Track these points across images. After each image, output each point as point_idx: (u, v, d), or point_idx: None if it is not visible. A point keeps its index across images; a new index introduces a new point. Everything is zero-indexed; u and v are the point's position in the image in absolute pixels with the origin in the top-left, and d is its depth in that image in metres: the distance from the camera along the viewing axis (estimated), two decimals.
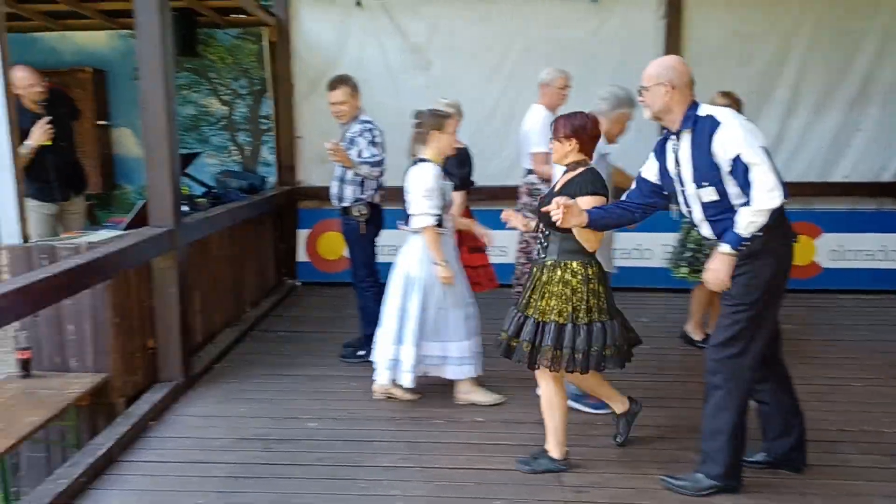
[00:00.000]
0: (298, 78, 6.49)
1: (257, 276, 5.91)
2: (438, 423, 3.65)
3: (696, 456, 3.01)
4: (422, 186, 3.63)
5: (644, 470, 3.14)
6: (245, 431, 3.56)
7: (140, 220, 4.24)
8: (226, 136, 6.74)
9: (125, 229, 4.29)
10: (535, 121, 4.50)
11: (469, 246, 4.33)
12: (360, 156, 4.26)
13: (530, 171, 4.53)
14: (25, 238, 3.67)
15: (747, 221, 2.67)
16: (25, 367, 3.71)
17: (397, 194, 3.91)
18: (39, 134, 4.63)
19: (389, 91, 6.16)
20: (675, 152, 2.85)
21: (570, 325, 2.93)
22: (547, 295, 2.99)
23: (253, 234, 5.85)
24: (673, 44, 6.03)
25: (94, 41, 6.55)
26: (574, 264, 2.97)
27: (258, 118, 6.70)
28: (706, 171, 2.73)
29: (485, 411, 3.76)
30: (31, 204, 4.69)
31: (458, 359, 3.77)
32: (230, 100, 6.70)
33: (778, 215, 2.70)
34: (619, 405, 3.35)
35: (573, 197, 2.88)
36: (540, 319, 2.99)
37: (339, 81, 4.39)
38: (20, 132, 4.42)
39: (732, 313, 2.83)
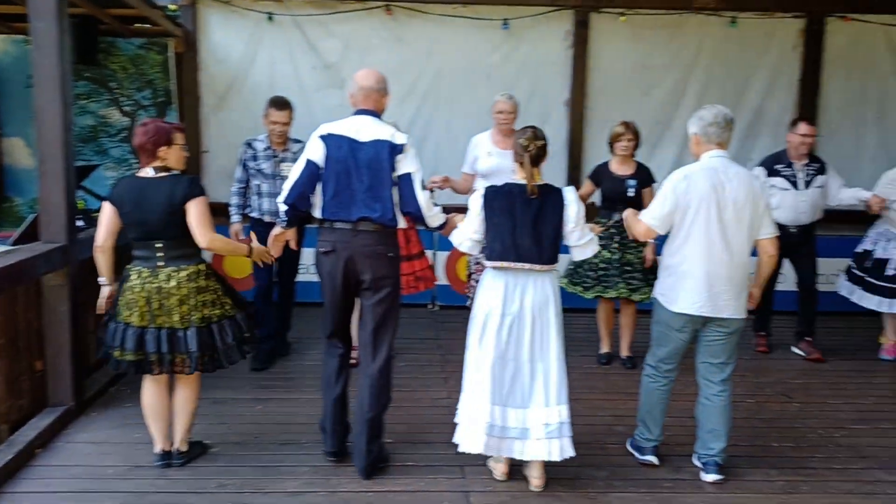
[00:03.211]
0: (206, 91, 6.33)
1: None
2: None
3: None
4: None
5: None
6: (141, 458, 3.39)
7: (30, 235, 4.04)
8: (126, 147, 6.47)
9: (13, 244, 4.08)
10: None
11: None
12: None
13: None
14: None
15: None
16: None
17: None
18: None
19: (302, 109, 5.99)
20: None
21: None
22: None
23: None
24: (579, 73, 6.22)
25: None
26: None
27: None
28: None
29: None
30: None
31: None
32: (132, 111, 6.45)
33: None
34: (158, 443, 3.33)
35: None
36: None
37: (286, 103, 4.49)
38: None
39: None
